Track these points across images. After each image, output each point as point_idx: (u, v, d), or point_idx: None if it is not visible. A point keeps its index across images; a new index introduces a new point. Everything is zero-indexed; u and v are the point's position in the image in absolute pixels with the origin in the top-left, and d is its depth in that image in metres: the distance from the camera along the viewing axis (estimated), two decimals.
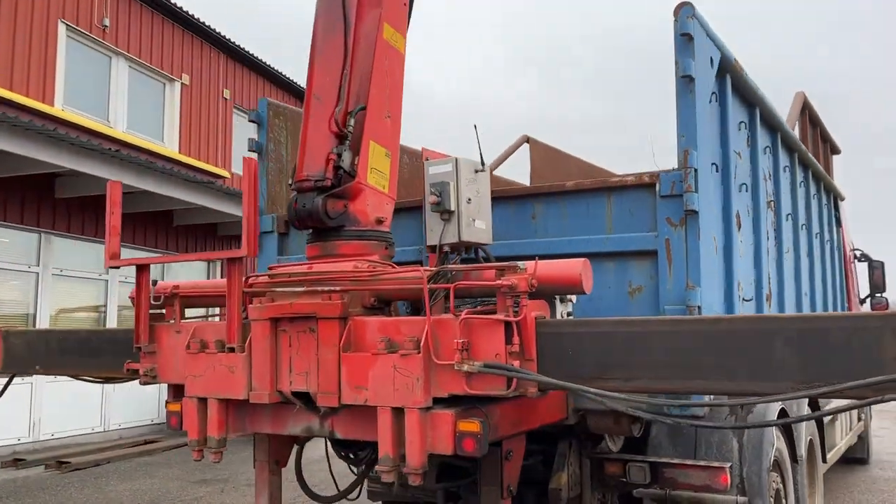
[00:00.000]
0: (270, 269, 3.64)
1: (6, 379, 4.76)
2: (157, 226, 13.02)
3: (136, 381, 4.06)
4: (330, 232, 3.58)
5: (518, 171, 7.79)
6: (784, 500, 4.62)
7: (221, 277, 14.37)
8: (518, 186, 6.87)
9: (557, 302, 3.24)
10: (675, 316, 3.48)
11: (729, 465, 4.05)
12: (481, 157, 3.91)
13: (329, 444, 4.06)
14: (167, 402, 3.80)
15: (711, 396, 3.22)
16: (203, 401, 3.48)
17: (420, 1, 4.23)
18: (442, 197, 3.75)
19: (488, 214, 4.00)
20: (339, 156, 3.56)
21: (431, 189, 3.84)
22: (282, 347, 3.29)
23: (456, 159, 3.83)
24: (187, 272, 12.92)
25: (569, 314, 3.38)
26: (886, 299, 11.31)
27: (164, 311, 3.90)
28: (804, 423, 5.27)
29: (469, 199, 3.79)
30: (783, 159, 5.70)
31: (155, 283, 3.81)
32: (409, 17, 4.04)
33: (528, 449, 3.80)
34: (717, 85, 4.24)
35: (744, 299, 4.49)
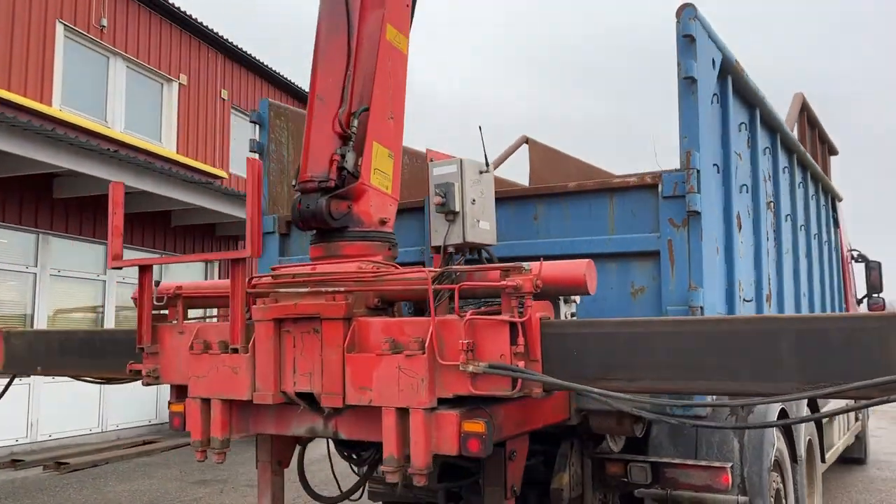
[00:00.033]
0: (274, 269, 3.64)
1: (6, 379, 4.75)
2: (155, 226, 13.00)
3: (134, 382, 4.07)
4: (334, 233, 3.58)
5: (518, 172, 7.80)
6: (784, 500, 4.63)
7: (220, 278, 14.42)
8: (517, 187, 6.88)
9: (561, 303, 3.25)
10: (678, 317, 3.50)
11: (730, 465, 4.07)
12: (486, 159, 3.92)
13: (332, 444, 4.07)
14: (170, 403, 3.80)
15: (714, 397, 3.24)
16: (206, 401, 3.47)
17: (422, 1, 4.24)
18: (447, 198, 3.76)
19: (492, 215, 4.01)
20: (343, 157, 3.56)
21: (436, 190, 3.85)
22: (285, 348, 3.29)
23: (461, 160, 3.84)
24: (185, 273, 12.91)
25: (572, 315, 3.38)
26: (883, 300, 11.35)
27: (166, 311, 3.89)
28: (804, 424, 5.29)
29: (474, 200, 3.80)
30: (782, 160, 5.72)
31: (157, 283, 3.81)
32: (412, 17, 4.05)
33: (529, 449, 3.81)
34: (718, 86, 4.25)
35: (744, 300, 4.50)
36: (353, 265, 3.37)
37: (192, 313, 4.51)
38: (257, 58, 16.93)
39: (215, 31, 15.54)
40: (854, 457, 9.64)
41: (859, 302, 11.03)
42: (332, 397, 3.13)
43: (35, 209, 11.00)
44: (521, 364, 2.76)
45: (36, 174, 10.19)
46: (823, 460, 6.48)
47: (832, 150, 9.03)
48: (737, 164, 4.54)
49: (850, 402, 5.92)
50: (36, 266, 11.11)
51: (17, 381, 4.77)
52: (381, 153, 3.67)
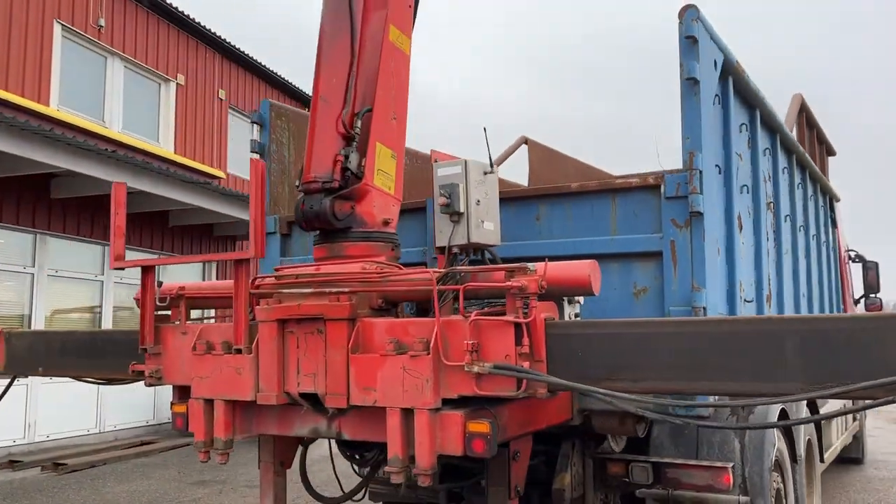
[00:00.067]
0: (277, 270, 3.64)
1: (7, 381, 4.74)
2: (152, 226, 12.98)
3: (132, 383, 4.06)
4: (337, 233, 3.58)
5: (517, 172, 7.81)
6: (784, 500, 4.65)
7: (218, 279, 14.40)
8: (517, 187, 6.89)
9: (565, 303, 3.25)
10: (683, 317, 3.50)
11: (731, 465, 4.08)
12: (490, 159, 3.93)
13: (335, 445, 4.07)
14: (173, 404, 3.79)
15: (716, 397, 3.25)
16: (209, 402, 3.46)
17: (424, 2, 4.24)
18: (451, 198, 3.77)
19: (496, 216, 4.02)
20: (347, 157, 3.56)
21: (441, 190, 3.85)
22: (289, 349, 3.29)
23: (465, 161, 3.85)
24: (182, 273, 12.89)
25: (576, 315, 3.39)
26: (880, 300, 11.40)
27: (168, 312, 3.89)
28: (803, 424, 5.31)
29: (478, 201, 3.81)
30: (782, 161, 5.74)
31: (160, 284, 3.81)
32: (415, 18, 4.05)
33: (531, 449, 3.81)
34: (719, 87, 4.27)
35: (745, 300, 4.52)
36: (356, 266, 3.37)
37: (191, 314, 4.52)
38: (255, 58, 16.92)
39: (213, 31, 15.52)
40: (852, 457, 9.66)
41: (856, 302, 11.07)
42: (337, 398, 3.13)
43: (33, 209, 10.98)
44: (526, 364, 2.76)
45: (34, 174, 10.18)
46: (822, 460, 6.50)
47: (830, 151, 9.07)
48: (737, 164, 4.56)
49: (849, 403, 5.96)
50: (33, 266, 11.08)
51: (14, 381, 4.75)
52: (384, 154, 3.68)
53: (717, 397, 3.23)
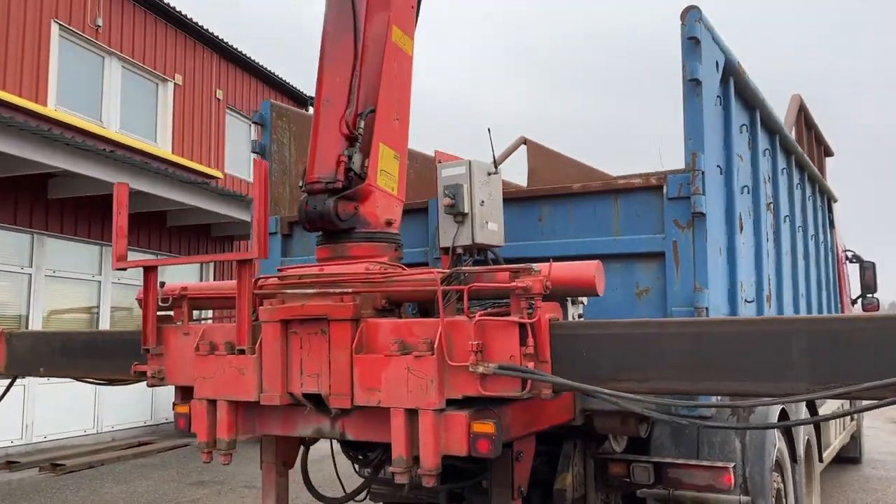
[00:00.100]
0: (280, 270, 3.64)
1: (7, 382, 4.73)
2: (150, 227, 12.95)
3: (134, 384, 4.05)
4: (340, 234, 3.59)
5: (516, 173, 7.82)
6: (784, 500, 4.66)
7: (215, 279, 14.38)
8: (515, 187, 6.90)
9: (569, 304, 3.26)
10: (689, 318, 3.51)
11: (733, 465, 4.08)
12: (494, 160, 3.93)
13: (337, 445, 4.07)
14: (175, 405, 3.79)
15: (718, 398, 3.25)
16: (212, 403, 3.47)
17: (425, 2, 4.25)
18: (456, 199, 3.77)
19: (500, 216, 4.03)
20: (350, 158, 3.57)
21: (445, 191, 3.86)
22: (292, 349, 3.29)
23: (469, 162, 3.85)
24: (178, 274, 12.86)
25: (580, 316, 3.40)
26: (877, 300, 11.45)
27: (170, 312, 3.89)
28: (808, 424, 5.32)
29: (482, 202, 3.82)
30: (781, 162, 5.76)
31: (163, 284, 3.81)
32: (417, 19, 4.06)
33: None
34: (721, 88, 4.28)
35: (746, 301, 4.53)
36: (360, 266, 3.38)
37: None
38: (252, 58, 16.90)
39: (210, 30, 15.51)
40: (849, 456, 9.69)
41: (853, 302, 11.11)
42: (340, 398, 3.13)
43: (30, 209, 10.95)
44: (531, 365, 2.77)
45: (31, 174, 10.15)
46: (821, 460, 6.52)
47: (828, 152, 9.10)
48: (738, 165, 4.57)
49: (847, 404, 5.94)
50: (31, 267, 11.05)
51: (2, 383, 4.74)
52: (387, 154, 3.68)
53: (719, 398, 3.24)
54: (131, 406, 12.14)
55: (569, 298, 3.30)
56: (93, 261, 12.20)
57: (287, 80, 18.24)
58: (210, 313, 4.57)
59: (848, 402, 7.63)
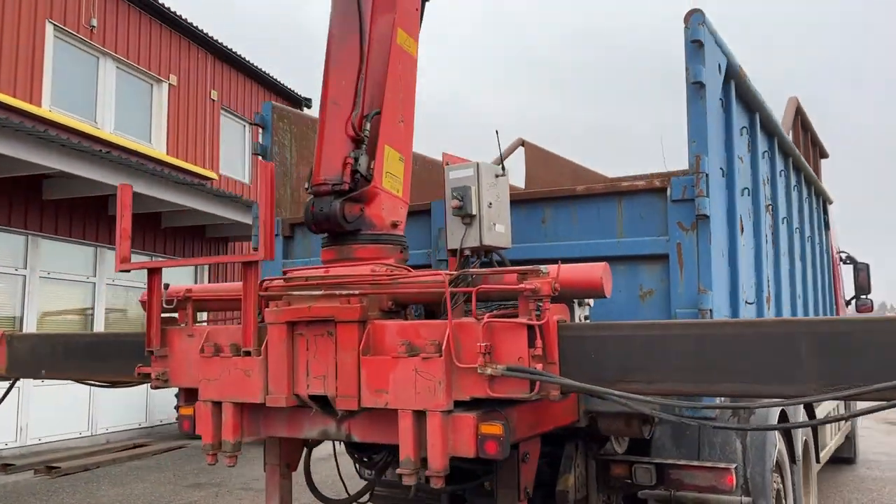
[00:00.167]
0: (286, 272, 3.64)
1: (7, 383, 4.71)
2: (144, 228, 12.91)
3: (137, 386, 4.04)
4: (346, 236, 3.59)
5: (514, 173, 7.83)
6: (784, 501, 4.68)
7: (210, 281, 14.34)
8: (515, 190, 6.91)
9: (576, 305, 3.27)
10: (697, 320, 3.53)
11: (735, 465, 4.10)
12: (502, 162, 3.95)
13: (339, 446, 4.07)
14: (179, 407, 3.79)
15: (721, 399, 3.27)
16: (217, 405, 3.46)
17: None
18: (464, 201, 3.78)
19: (507, 218, 4.04)
20: (356, 160, 3.58)
21: (453, 193, 3.87)
22: (299, 351, 3.29)
23: (477, 164, 3.87)
24: (174, 275, 12.83)
25: (586, 318, 3.41)
26: (871, 301, 11.52)
27: (174, 314, 3.88)
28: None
29: (490, 204, 3.83)
30: (779, 164, 5.79)
31: (167, 286, 3.80)
32: (421, 21, 4.07)
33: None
34: (722, 91, 4.30)
35: (747, 302, 4.55)
36: (366, 268, 3.38)
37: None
38: (247, 59, 16.87)
39: (205, 31, 15.47)
40: (844, 456, 9.75)
41: (847, 303, 11.18)
42: (347, 400, 3.13)
43: (24, 211, 10.90)
44: (539, 366, 2.78)
45: (25, 175, 10.11)
46: (818, 460, 6.56)
47: (823, 154, 9.16)
48: (738, 167, 4.59)
49: (843, 405, 5.94)
50: (25, 268, 11.00)
51: (6, 385, 4.72)
52: (392, 156, 3.69)
53: (721, 399, 3.25)
54: (126, 408, 12.10)
55: (575, 300, 3.31)
56: (87, 262, 12.15)
57: (282, 81, 18.22)
58: (206, 316, 4.56)
59: (844, 403, 7.69)
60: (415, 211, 4.44)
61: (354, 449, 3.89)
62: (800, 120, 7.95)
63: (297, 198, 5.23)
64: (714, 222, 3.80)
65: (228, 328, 3.64)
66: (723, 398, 3.22)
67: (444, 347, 2.92)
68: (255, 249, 3.98)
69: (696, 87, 3.76)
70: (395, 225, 3.69)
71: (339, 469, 4.44)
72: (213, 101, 16.09)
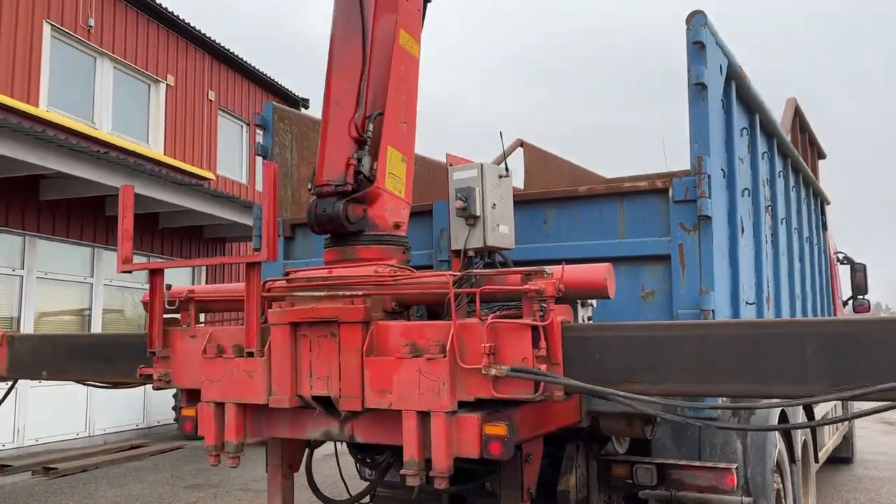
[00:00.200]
0: (288, 273, 3.64)
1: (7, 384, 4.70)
2: (142, 228, 12.89)
3: (139, 387, 4.03)
4: (349, 236, 3.59)
5: (513, 174, 7.82)
6: (783, 501, 4.70)
7: (208, 282, 14.32)
8: (514, 190, 6.91)
9: (579, 306, 3.28)
10: (701, 320, 3.53)
11: (735, 466, 4.12)
12: (505, 163, 3.95)
13: (341, 447, 4.07)
14: (181, 408, 3.78)
15: (723, 399, 3.27)
16: (220, 406, 3.46)
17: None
18: (468, 202, 3.79)
19: (511, 219, 4.04)
20: (359, 161, 3.58)
21: (457, 194, 3.87)
22: (302, 352, 3.29)
23: (481, 165, 3.87)
24: (170, 277, 12.78)
25: (589, 318, 3.42)
26: (868, 301, 11.55)
27: (176, 315, 3.87)
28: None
29: (494, 205, 3.83)
30: (778, 165, 5.81)
31: (169, 287, 3.80)
32: (423, 22, 4.07)
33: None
34: (723, 92, 4.31)
35: (747, 303, 4.56)
36: (370, 269, 3.38)
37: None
38: (244, 59, 16.85)
39: (203, 32, 15.45)
40: (842, 456, 9.78)
41: (845, 304, 11.21)
42: (351, 401, 3.13)
43: (22, 211, 10.87)
44: (543, 367, 2.78)
45: (23, 175, 10.08)
46: (817, 460, 6.58)
47: (821, 154, 9.18)
48: (739, 168, 4.60)
49: (842, 405, 5.97)
50: (22, 268, 10.98)
51: (3, 386, 4.71)
52: (394, 157, 3.69)
53: (723, 399, 3.26)
54: (123, 409, 12.08)
55: (578, 301, 3.31)
56: (85, 263, 12.13)
57: (279, 82, 18.21)
58: (203, 317, 4.55)
59: (843, 403, 7.71)
60: (416, 212, 4.45)
61: (357, 450, 3.89)
62: (798, 121, 7.97)
63: (298, 198, 5.23)
64: (716, 223, 3.81)
65: (231, 329, 3.63)
66: (725, 399, 3.23)
67: (448, 348, 2.92)
68: (257, 250, 3.99)
69: (698, 89, 3.77)
70: (397, 226, 3.69)
71: (340, 469, 4.44)
72: (211, 101, 16.07)
